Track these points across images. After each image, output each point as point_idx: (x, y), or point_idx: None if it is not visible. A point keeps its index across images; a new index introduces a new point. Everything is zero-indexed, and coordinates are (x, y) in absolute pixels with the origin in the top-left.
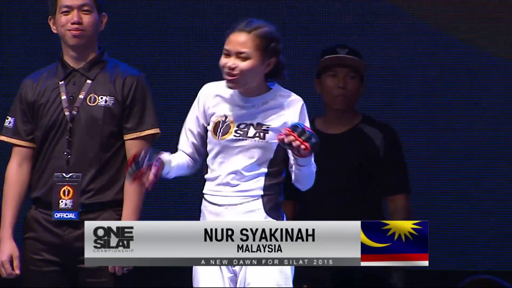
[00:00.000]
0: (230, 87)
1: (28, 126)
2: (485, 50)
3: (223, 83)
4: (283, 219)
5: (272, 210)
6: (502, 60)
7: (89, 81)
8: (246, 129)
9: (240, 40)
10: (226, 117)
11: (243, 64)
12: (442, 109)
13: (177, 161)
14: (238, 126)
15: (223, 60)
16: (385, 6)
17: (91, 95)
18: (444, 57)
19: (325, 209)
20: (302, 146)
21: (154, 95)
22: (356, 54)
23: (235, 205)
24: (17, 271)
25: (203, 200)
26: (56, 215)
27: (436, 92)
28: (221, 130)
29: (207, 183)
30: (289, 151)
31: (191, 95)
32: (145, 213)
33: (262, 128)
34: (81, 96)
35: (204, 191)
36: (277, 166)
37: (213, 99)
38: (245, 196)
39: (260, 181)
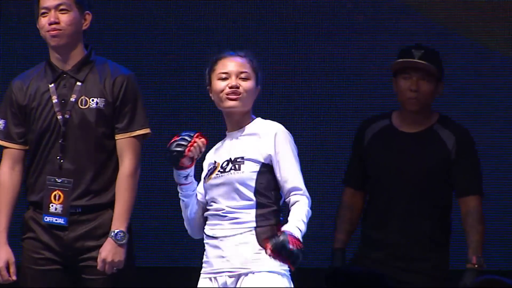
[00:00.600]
0: (232, 107)
1: (20, 129)
2: (494, 50)
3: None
4: None
5: (266, 241)
6: None
7: (79, 83)
8: (225, 166)
9: (237, 62)
10: (215, 162)
11: (246, 84)
12: (452, 109)
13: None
14: (221, 166)
15: (222, 84)
16: (397, 6)
17: (82, 97)
18: (456, 57)
19: (394, 206)
20: (282, 261)
21: (144, 94)
22: (430, 56)
23: (229, 236)
24: (14, 277)
25: (205, 237)
26: (46, 218)
27: (447, 92)
28: (208, 173)
29: (207, 222)
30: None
31: (182, 94)
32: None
33: (237, 160)
34: (72, 99)
35: (204, 229)
36: (264, 195)
37: (207, 161)
38: (238, 228)
39: (251, 213)
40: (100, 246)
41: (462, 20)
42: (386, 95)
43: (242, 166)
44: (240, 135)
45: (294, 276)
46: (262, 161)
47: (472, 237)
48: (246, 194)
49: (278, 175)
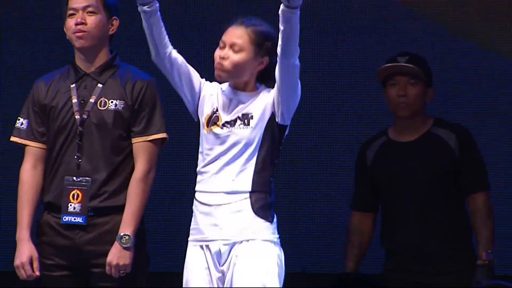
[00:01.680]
0: (217, 77)
1: (42, 128)
2: (501, 54)
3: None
4: (272, 220)
5: (261, 210)
6: None
7: (100, 85)
8: (232, 121)
9: (236, 32)
10: (216, 109)
11: (235, 56)
12: (458, 112)
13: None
14: (225, 119)
15: (217, 52)
16: (400, 10)
17: (102, 99)
18: (460, 60)
19: (410, 215)
20: None
21: (165, 99)
22: (415, 60)
23: (224, 204)
24: (37, 273)
25: (194, 200)
26: (65, 218)
27: (453, 95)
28: (211, 121)
29: (198, 183)
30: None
31: None
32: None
33: (248, 116)
34: (91, 100)
35: (196, 188)
36: (264, 161)
37: (209, 93)
38: (233, 194)
39: (248, 178)
40: (107, 253)
41: (467, 23)
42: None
43: (251, 121)
44: (250, 100)
45: (306, 280)
46: (269, 115)
47: (482, 233)
48: (250, 157)
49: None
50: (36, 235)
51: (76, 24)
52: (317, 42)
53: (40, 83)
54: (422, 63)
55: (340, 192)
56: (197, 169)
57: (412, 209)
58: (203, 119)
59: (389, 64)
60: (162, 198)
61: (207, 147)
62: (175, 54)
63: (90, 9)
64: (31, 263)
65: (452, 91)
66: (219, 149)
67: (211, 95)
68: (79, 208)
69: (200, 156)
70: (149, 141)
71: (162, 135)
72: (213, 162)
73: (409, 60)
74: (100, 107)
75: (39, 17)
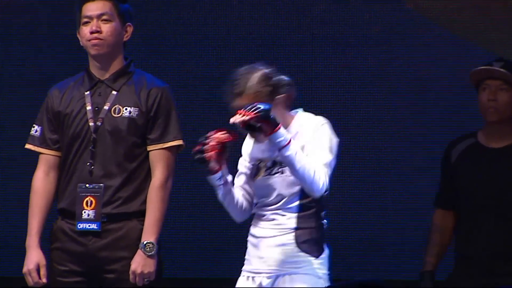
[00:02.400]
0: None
1: (55, 135)
2: None
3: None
4: (321, 253)
5: (306, 244)
6: None
7: (114, 92)
8: (272, 167)
9: (244, 103)
10: (259, 161)
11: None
12: (469, 117)
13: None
14: (266, 165)
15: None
16: (414, 17)
17: (116, 106)
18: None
19: (483, 224)
20: (246, 117)
21: (180, 107)
22: (509, 66)
23: (268, 237)
24: (44, 280)
25: (249, 234)
26: (79, 225)
27: (466, 101)
28: (254, 171)
29: (253, 219)
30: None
31: (218, 107)
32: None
33: (282, 164)
34: (106, 107)
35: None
36: (308, 196)
37: (246, 151)
38: (279, 229)
39: (293, 214)
40: (123, 258)
41: (481, 31)
42: (403, 106)
43: (285, 169)
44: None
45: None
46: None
47: None
48: (293, 196)
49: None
50: (50, 242)
51: (91, 32)
52: (329, 51)
53: (55, 90)
54: None
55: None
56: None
57: (486, 216)
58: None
59: (481, 67)
60: (176, 206)
61: (256, 193)
62: (246, 197)
63: (105, 17)
64: (38, 270)
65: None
66: (264, 193)
67: (247, 153)
68: (93, 214)
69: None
70: (166, 148)
71: (179, 142)
72: (261, 205)
73: (504, 66)
74: (114, 114)
75: (48, 24)
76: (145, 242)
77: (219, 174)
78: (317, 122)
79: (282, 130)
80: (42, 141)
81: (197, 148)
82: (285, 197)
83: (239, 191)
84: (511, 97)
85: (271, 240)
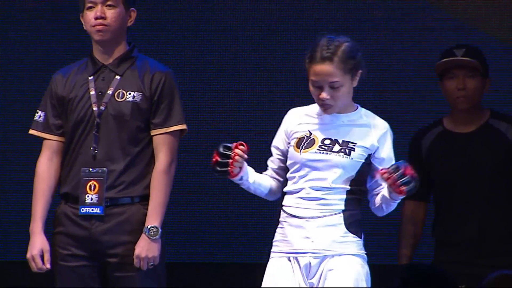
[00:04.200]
0: (327, 112)
1: (59, 121)
2: None
3: (308, 106)
4: (361, 236)
5: (352, 225)
6: None
7: (117, 77)
8: (331, 145)
9: (327, 71)
10: (310, 133)
11: (338, 92)
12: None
13: (257, 175)
14: (322, 142)
15: (315, 92)
16: (416, 2)
17: (119, 90)
18: None
19: (470, 206)
20: (397, 191)
21: (183, 91)
22: (473, 53)
23: (316, 217)
24: (48, 266)
25: (282, 212)
26: (82, 209)
27: None
28: (305, 145)
29: (286, 196)
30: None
31: (220, 92)
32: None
33: (348, 145)
34: (109, 92)
35: (283, 203)
36: (359, 184)
37: (297, 123)
38: (326, 210)
39: (342, 196)
40: (126, 242)
41: (482, 16)
42: (405, 91)
43: (352, 152)
44: (349, 120)
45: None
46: (370, 152)
47: None
48: (345, 180)
49: (378, 167)
50: (53, 226)
51: (96, 18)
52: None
53: (58, 75)
54: (479, 55)
55: None
56: (285, 188)
57: (472, 202)
58: (293, 142)
59: (446, 59)
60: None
61: (299, 168)
62: (275, 176)
63: (109, 2)
64: (42, 256)
65: None
66: (312, 170)
67: (298, 125)
68: (96, 199)
69: (289, 176)
70: (169, 132)
71: (182, 126)
72: (305, 182)
73: (466, 53)
74: (118, 98)
75: (52, 8)
76: (149, 226)
77: (239, 177)
78: (386, 128)
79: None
80: (46, 127)
81: (216, 159)
82: (337, 177)
83: (270, 174)
84: (478, 84)
85: (320, 221)
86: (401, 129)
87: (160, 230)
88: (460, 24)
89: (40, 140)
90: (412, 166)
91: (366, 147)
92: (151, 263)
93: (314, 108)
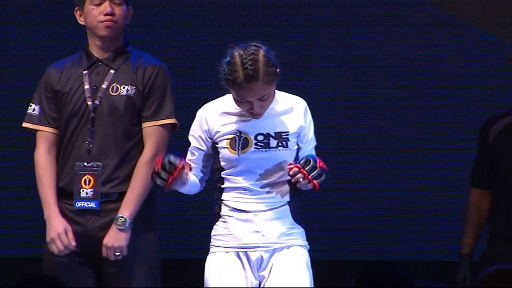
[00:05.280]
0: (257, 119)
1: (54, 113)
2: (509, 41)
3: (221, 100)
4: (301, 223)
5: (297, 216)
6: None
7: (112, 71)
8: (266, 140)
9: (254, 90)
10: (239, 132)
11: (266, 102)
12: (466, 101)
13: (192, 176)
14: (256, 139)
15: (244, 106)
16: None
17: (114, 84)
18: (470, 48)
19: None
20: (310, 185)
21: (177, 87)
22: None
23: (264, 211)
24: (73, 243)
25: (224, 207)
26: (78, 204)
27: (461, 84)
28: (240, 145)
29: (228, 193)
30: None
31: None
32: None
33: (282, 136)
34: (103, 86)
35: (224, 198)
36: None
37: (220, 123)
38: (273, 203)
39: (286, 188)
40: None
41: (476, 10)
42: (398, 87)
43: (288, 143)
44: (271, 109)
45: (329, 268)
46: (299, 134)
47: None
48: (286, 171)
49: (301, 145)
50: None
51: (106, 14)
52: (325, 31)
53: (53, 69)
54: None
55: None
56: (223, 185)
57: None
58: (224, 144)
59: None
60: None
61: (238, 167)
62: (202, 175)
63: (117, 0)
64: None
65: (465, 80)
66: (253, 167)
67: (222, 125)
68: (92, 193)
69: (226, 175)
70: (159, 125)
71: (171, 120)
72: (247, 179)
73: None
74: (112, 92)
75: (46, 4)
76: (118, 216)
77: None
78: (305, 107)
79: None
80: (43, 119)
81: (159, 170)
82: (281, 171)
83: (194, 169)
84: None
85: (268, 214)
86: (396, 126)
87: (128, 221)
88: (456, 20)
89: (32, 134)
90: (480, 154)
91: (296, 132)
92: (118, 253)
93: (229, 102)
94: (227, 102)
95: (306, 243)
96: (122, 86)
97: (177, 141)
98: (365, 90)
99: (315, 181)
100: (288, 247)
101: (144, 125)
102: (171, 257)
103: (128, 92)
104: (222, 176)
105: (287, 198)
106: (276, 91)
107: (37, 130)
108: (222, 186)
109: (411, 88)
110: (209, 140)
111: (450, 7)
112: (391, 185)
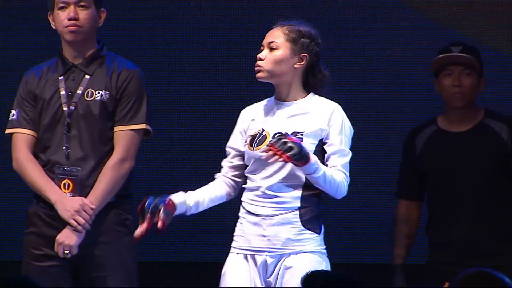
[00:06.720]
0: (258, 78)
1: (34, 116)
2: (486, 45)
3: (260, 104)
4: (320, 231)
5: (309, 222)
6: (504, 54)
7: (87, 76)
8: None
9: (273, 33)
10: (263, 129)
11: (272, 55)
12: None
13: (201, 195)
14: (273, 137)
15: (258, 55)
16: (388, 1)
17: (89, 90)
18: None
19: (462, 206)
20: (281, 159)
21: (152, 91)
22: (470, 51)
23: (272, 216)
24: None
25: (241, 208)
26: None
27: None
28: (257, 142)
29: (245, 193)
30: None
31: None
32: None
33: (297, 136)
34: (79, 92)
35: (242, 199)
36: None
37: (251, 119)
38: (281, 208)
39: (298, 193)
40: (100, 242)
41: (456, 15)
42: (377, 89)
43: (302, 143)
44: (296, 108)
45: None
46: (320, 138)
47: None
48: (298, 173)
49: (326, 148)
50: (25, 226)
51: (69, 19)
52: (334, 34)
53: (31, 73)
54: (475, 52)
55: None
56: (245, 185)
57: (465, 201)
58: (247, 141)
59: (444, 55)
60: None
61: (254, 165)
62: (232, 178)
63: (82, 3)
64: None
65: None
66: (266, 166)
67: (252, 122)
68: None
69: (247, 174)
70: (130, 130)
71: (142, 125)
72: (261, 180)
73: (463, 50)
74: (87, 98)
75: (25, 8)
76: None
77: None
78: (332, 110)
79: (312, 160)
80: (20, 123)
81: (142, 209)
82: (291, 173)
83: (224, 176)
84: (474, 81)
85: (275, 219)
86: (389, 129)
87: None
88: (434, 24)
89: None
90: (406, 165)
91: (315, 134)
92: (68, 251)
93: (265, 102)
94: (262, 102)
95: (319, 248)
96: (97, 92)
97: (154, 145)
98: (343, 93)
99: (285, 155)
100: (296, 253)
101: (115, 129)
102: (156, 260)
103: (102, 97)
104: (245, 175)
105: (297, 204)
106: (316, 95)
107: (18, 133)
108: (244, 186)
109: (390, 91)
110: (244, 140)
111: (429, 11)
112: None
